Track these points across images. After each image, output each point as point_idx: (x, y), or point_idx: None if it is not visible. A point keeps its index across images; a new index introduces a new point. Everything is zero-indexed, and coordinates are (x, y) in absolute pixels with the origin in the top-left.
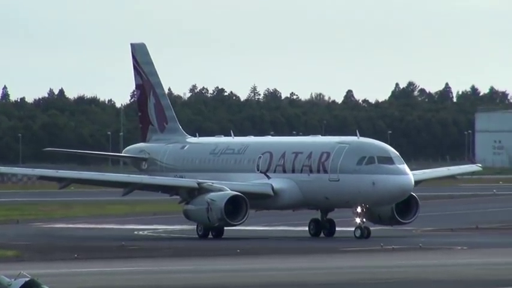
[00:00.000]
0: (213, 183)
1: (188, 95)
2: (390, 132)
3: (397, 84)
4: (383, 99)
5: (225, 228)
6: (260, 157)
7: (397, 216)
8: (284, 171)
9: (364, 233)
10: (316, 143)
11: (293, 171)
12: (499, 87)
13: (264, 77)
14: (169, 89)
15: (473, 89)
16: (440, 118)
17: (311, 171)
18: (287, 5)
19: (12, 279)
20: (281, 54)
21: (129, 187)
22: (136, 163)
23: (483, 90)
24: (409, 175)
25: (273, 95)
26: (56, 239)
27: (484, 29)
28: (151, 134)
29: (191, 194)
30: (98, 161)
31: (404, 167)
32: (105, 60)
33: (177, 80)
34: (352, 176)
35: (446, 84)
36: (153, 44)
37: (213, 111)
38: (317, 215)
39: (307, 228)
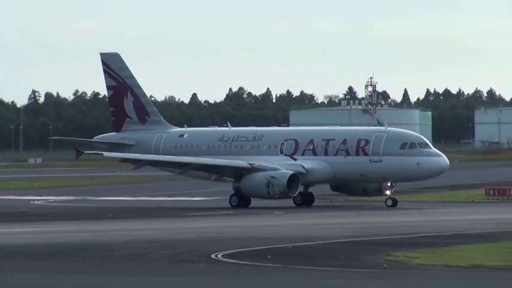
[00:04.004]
0: (260, 164)
1: (72, 97)
2: (225, 125)
3: (230, 89)
4: (220, 100)
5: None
6: (283, 143)
7: (383, 190)
8: (315, 154)
9: (394, 202)
10: (349, 132)
11: (325, 154)
12: (308, 91)
13: None
14: (57, 93)
15: (288, 92)
16: (264, 115)
17: (348, 154)
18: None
19: None
20: (143, 65)
21: (185, 167)
22: (115, 148)
23: (295, 93)
24: (444, 156)
25: None
26: None
27: (299, 48)
28: (128, 125)
29: (239, 173)
30: (31, 146)
31: (438, 150)
32: (8, 69)
33: (62, 84)
34: (396, 158)
35: (268, 89)
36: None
37: (91, 110)
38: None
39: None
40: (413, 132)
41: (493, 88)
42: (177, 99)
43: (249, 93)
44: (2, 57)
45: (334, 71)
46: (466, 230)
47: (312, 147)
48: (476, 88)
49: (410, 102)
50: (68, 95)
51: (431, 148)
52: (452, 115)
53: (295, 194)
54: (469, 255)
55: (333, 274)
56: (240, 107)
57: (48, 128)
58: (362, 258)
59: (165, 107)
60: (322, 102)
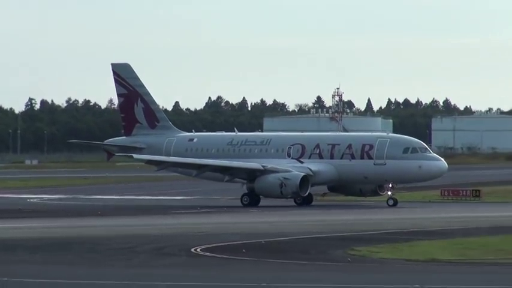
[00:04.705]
0: (272, 166)
1: (65, 104)
2: (205, 130)
3: (209, 98)
4: (200, 108)
5: None
6: (290, 147)
7: (378, 191)
8: (321, 158)
9: (395, 202)
10: (354, 137)
11: (331, 157)
12: (280, 100)
13: None
14: (52, 101)
15: (262, 101)
16: (240, 121)
17: (353, 157)
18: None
19: None
20: None
21: (203, 169)
22: (126, 151)
23: (269, 101)
24: (443, 160)
25: None
26: None
27: (272, 60)
28: (138, 130)
29: (252, 175)
30: (28, 149)
31: (437, 155)
32: (7, 78)
33: (56, 93)
34: (399, 162)
35: (244, 97)
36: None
37: (83, 116)
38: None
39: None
40: (413, 138)
41: (448, 98)
42: (160, 107)
43: (227, 102)
44: (1, 68)
45: (304, 82)
46: (423, 227)
47: (318, 151)
48: (434, 98)
49: (373, 111)
50: (61, 102)
51: (431, 153)
52: (411, 123)
53: (306, 193)
54: (426, 250)
55: (302, 267)
56: (218, 114)
57: (43, 132)
58: (329, 252)
59: None
60: (293, 110)
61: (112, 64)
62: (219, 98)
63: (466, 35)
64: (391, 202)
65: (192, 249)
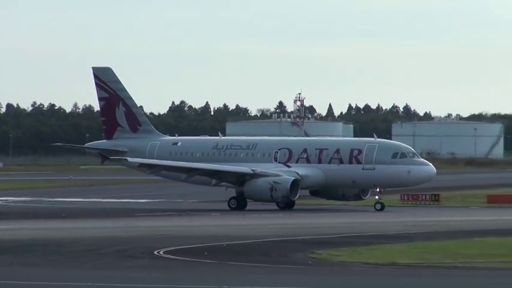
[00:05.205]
0: (261, 170)
1: (30, 108)
2: (168, 134)
3: (173, 102)
4: (163, 112)
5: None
6: (277, 152)
7: (361, 195)
8: (308, 162)
9: (382, 206)
10: (342, 142)
11: (319, 162)
12: (243, 105)
13: (84, 95)
14: (17, 104)
15: (225, 106)
16: (203, 126)
17: (341, 162)
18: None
19: None
20: None
21: (192, 173)
22: (108, 154)
23: (232, 106)
24: (432, 165)
25: (88, 109)
26: None
27: (235, 66)
28: (120, 133)
29: (240, 178)
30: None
31: (425, 160)
32: None
33: (22, 97)
34: (388, 166)
35: (207, 102)
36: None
37: (48, 120)
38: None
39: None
40: (402, 143)
41: (408, 104)
42: None
43: (190, 106)
44: None
45: (267, 87)
46: (383, 231)
47: (305, 156)
48: (394, 104)
49: (334, 116)
50: (26, 106)
51: (419, 158)
52: (372, 128)
53: (297, 197)
54: (385, 254)
55: (263, 270)
56: (182, 119)
57: (9, 135)
58: (290, 255)
59: None
60: (255, 115)
61: (93, 68)
62: (182, 102)
63: (426, 41)
64: (378, 206)
65: (155, 252)
